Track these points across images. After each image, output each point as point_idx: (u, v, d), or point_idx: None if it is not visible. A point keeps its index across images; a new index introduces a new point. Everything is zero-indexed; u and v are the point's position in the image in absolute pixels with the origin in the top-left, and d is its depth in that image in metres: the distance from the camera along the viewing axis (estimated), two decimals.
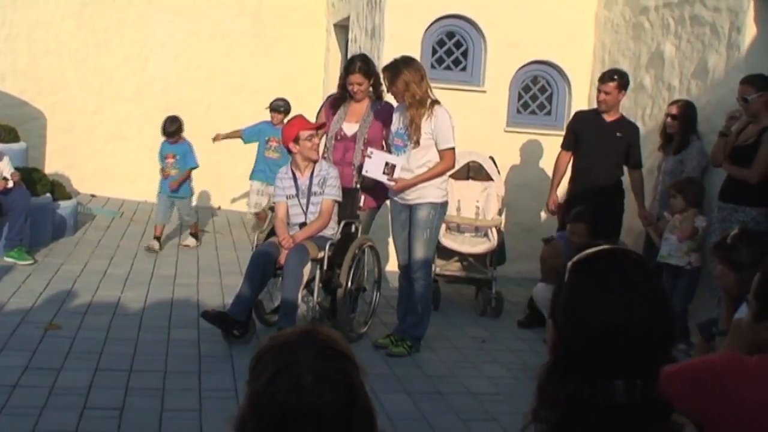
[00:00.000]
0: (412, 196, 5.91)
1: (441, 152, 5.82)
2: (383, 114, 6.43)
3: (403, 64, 5.82)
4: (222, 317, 5.72)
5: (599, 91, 6.95)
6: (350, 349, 1.70)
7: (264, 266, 5.80)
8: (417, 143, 5.78)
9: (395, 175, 5.83)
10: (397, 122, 5.97)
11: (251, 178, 9.36)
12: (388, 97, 6.58)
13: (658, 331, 1.66)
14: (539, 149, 8.81)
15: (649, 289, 1.67)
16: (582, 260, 1.73)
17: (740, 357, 2.09)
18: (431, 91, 5.86)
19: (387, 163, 5.86)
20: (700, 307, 6.36)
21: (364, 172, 6.01)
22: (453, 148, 5.87)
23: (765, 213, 5.91)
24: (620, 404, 1.61)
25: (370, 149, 6.05)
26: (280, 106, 9.33)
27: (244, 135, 9.45)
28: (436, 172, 5.84)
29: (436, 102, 5.84)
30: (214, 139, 9.50)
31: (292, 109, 9.08)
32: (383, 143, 6.35)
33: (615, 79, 6.91)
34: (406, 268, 6.08)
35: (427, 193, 5.87)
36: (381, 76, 6.09)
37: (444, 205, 6.05)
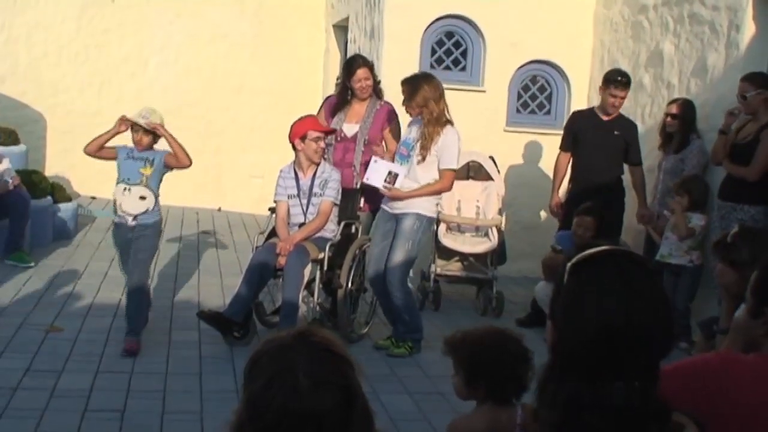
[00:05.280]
0: (400, 205, 5.89)
1: (441, 171, 5.81)
2: (383, 114, 6.45)
3: (423, 79, 5.82)
4: (217, 317, 5.71)
5: (614, 96, 6.83)
6: (346, 349, 1.70)
7: (263, 267, 5.80)
8: (423, 159, 5.77)
9: (396, 185, 5.83)
10: (408, 133, 5.98)
11: None
12: (389, 96, 6.59)
13: (657, 333, 1.65)
14: (539, 148, 8.81)
15: (648, 291, 1.67)
16: (581, 261, 1.72)
17: (736, 355, 2.09)
18: (448, 110, 5.84)
19: (390, 172, 5.85)
20: (702, 305, 6.36)
21: (365, 180, 5.98)
22: (454, 171, 5.88)
23: (764, 211, 5.91)
24: (619, 406, 1.61)
25: (374, 157, 6.03)
26: None
27: None
28: (431, 190, 5.84)
29: (449, 122, 5.83)
30: None
31: (293, 111, 9.00)
32: (383, 143, 6.34)
33: (630, 84, 6.89)
34: (374, 280, 6.01)
35: (415, 204, 5.84)
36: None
37: (431, 220, 6.03)
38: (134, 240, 5.68)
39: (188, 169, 5.77)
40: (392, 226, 5.95)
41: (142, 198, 5.67)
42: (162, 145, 5.73)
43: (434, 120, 5.74)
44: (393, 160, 5.98)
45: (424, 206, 5.87)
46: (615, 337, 1.62)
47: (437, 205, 6.04)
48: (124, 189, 5.68)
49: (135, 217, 5.66)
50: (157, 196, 5.73)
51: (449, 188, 6.05)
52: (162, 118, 5.70)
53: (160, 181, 5.75)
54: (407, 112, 5.90)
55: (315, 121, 6.19)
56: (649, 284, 1.69)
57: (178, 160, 5.66)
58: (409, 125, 6.03)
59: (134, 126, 5.62)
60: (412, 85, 5.78)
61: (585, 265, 1.72)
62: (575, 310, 1.68)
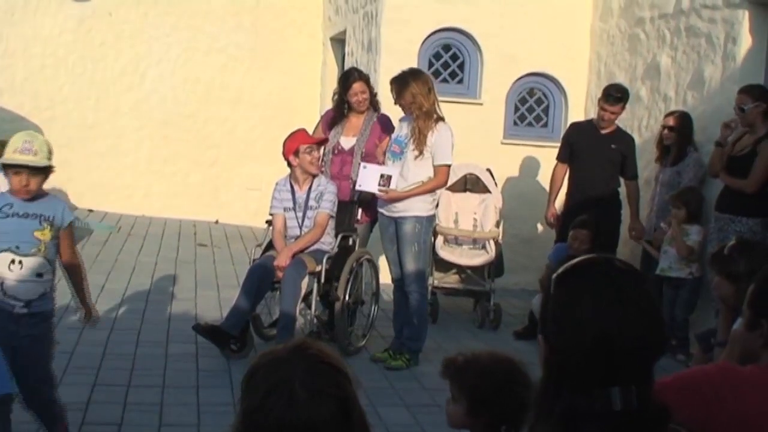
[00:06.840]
0: (398, 208, 5.89)
1: (435, 167, 5.80)
2: (380, 127, 6.45)
3: (410, 76, 5.82)
4: (213, 330, 5.70)
5: (604, 110, 6.87)
6: (343, 361, 1.70)
7: (261, 280, 5.79)
8: (421, 153, 5.77)
9: (391, 186, 5.83)
10: (399, 130, 5.97)
11: None
12: (386, 108, 6.60)
13: (649, 336, 1.65)
14: (536, 161, 8.83)
15: (637, 295, 1.66)
16: (566, 272, 1.72)
17: (734, 367, 2.09)
18: (438, 104, 5.85)
19: (383, 175, 5.84)
20: (701, 317, 6.35)
21: (357, 187, 6.00)
22: (448, 166, 5.88)
23: (762, 223, 5.92)
24: (618, 411, 1.60)
25: (363, 163, 6.05)
26: None
27: None
28: (428, 187, 5.83)
29: (441, 119, 5.83)
30: None
31: (290, 123, 9.00)
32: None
33: (622, 101, 6.90)
34: (399, 281, 6.06)
35: (412, 206, 5.85)
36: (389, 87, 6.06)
37: (430, 219, 6.02)
38: (21, 339, 3.76)
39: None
40: (394, 229, 5.95)
41: (39, 276, 3.80)
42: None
43: (424, 114, 5.73)
44: (383, 162, 5.99)
45: (420, 207, 5.87)
46: (608, 345, 1.61)
47: (433, 201, 6.02)
48: (11, 262, 3.74)
49: (28, 304, 3.78)
50: (54, 272, 3.93)
51: (445, 184, 6.08)
52: (51, 149, 4.06)
53: (57, 248, 3.93)
54: (403, 111, 5.91)
55: (305, 133, 6.24)
56: (636, 288, 1.68)
57: (64, 254, 3.96)
58: (401, 121, 6.03)
59: (8, 165, 3.82)
60: (399, 84, 5.79)
61: (570, 274, 1.71)
62: (565, 321, 1.67)
